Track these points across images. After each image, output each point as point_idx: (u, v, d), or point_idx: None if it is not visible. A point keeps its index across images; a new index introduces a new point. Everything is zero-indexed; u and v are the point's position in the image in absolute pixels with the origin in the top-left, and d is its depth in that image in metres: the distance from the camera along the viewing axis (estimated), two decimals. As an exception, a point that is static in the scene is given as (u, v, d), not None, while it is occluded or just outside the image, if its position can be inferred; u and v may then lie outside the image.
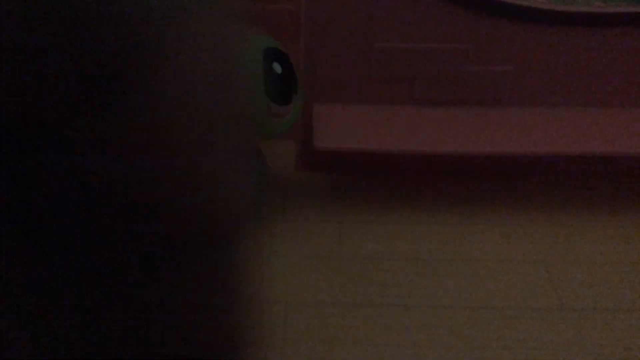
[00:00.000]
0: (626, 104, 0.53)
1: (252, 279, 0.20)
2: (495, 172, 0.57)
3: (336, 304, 0.41)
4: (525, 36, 0.50)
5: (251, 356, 0.22)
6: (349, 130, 0.49)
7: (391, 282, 0.43)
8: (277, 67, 0.43)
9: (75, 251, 0.15)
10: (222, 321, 0.19)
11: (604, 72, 0.52)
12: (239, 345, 0.21)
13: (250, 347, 0.21)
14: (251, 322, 0.21)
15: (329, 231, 0.48)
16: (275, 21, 0.50)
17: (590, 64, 0.51)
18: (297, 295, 0.42)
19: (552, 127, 0.51)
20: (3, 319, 0.16)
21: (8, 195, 0.14)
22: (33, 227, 0.15)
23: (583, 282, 0.44)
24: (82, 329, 0.16)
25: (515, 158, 0.56)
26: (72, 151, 0.14)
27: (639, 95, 0.53)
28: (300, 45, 0.49)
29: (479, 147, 0.48)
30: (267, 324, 0.40)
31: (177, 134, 0.15)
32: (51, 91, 0.14)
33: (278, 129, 0.44)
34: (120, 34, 0.14)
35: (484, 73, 0.51)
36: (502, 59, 0.51)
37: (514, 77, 0.52)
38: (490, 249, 0.47)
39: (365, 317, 0.40)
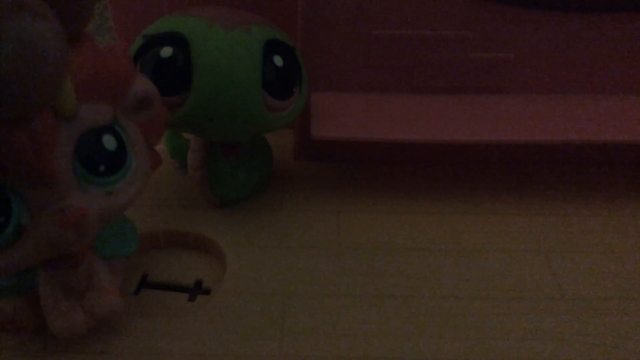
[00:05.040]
0: (629, 91, 0.53)
1: None
2: (495, 161, 0.57)
3: (335, 294, 0.41)
4: (527, 22, 0.49)
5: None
6: (347, 119, 0.49)
7: (390, 272, 0.43)
8: (278, 60, 0.42)
9: None
10: None
11: (607, 58, 0.51)
12: None
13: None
14: None
15: (327, 221, 0.48)
16: (272, 8, 0.50)
17: (592, 50, 0.51)
18: (294, 286, 0.42)
19: (553, 114, 0.50)
20: None
21: None
22: None
23: (584, 271, 0.44)
24: None
25: (515, 146, 0.56)
26: None
27: (641, 82, 0.53)
28: (297, 33, 0.49)
29: (479, 136, 0.48)
30: (264, 315, 0.40)
31: None
32: None
33: (276, 123, 0.43)
34: None
35: (485, 60, 0.51)
36: (503, 45, 0.50)
37: (515, 64, 0.51)
38: (490, 238, 0.47)
39: (365, 308, 0.40)
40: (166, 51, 0.39)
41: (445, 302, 0.40)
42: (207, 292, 0.42)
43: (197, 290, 0.42)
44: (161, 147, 0.53)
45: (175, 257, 0.45)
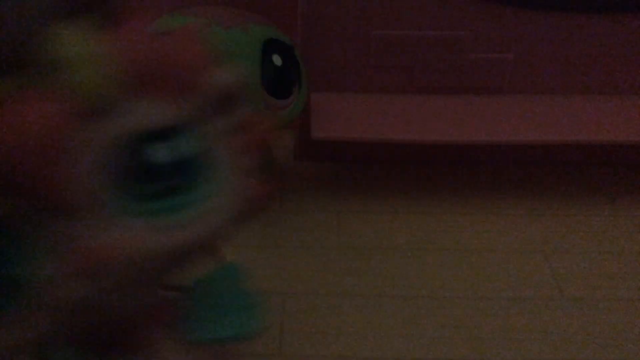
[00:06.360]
0: (629, 91, 0.53)
1: None
2: (494, 161, 0.57)
3: (334, 294, 0.41)
4: (526, 23, 0.49)
5: None
6: (347, 119, 0.49)
7: (390, 272, 0.43)
8: (277, 60, 0.42)
9: None
10: None
11: (606, 58, 0.51)
12: None
13: None
14: None
15: (327, 221, 0.48)
16: (272, 9, 0.50)
17: (592, 50, 0.51)
18: (294, 286, 0.42)
19: (552, 114, 0.50)
20: None
21: None
22: None
23: (583, 272, 0.44)
24: None
25: (514, 146, 0.56)
26: None
27: (641, 82, 0.53)
28: (297, 33, 0.49)
29: (478, 136, 0.48)
30: (264, 314, 0.40)
31: None
32: None
33: (276, 122, 0.43)
34: None
35: (484, 61, 0.51)
36: (502, 46, 0.50)
37: (514, 64, 0.51)
38: (489, 238, 0.47)
39: (364, 308, 0.40)
40: None
41: (445, 302, 0.40)
42: (207, 292, 0.42)
43: (197, 290, 0.42)
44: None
45: (175, 257, 0.45)
